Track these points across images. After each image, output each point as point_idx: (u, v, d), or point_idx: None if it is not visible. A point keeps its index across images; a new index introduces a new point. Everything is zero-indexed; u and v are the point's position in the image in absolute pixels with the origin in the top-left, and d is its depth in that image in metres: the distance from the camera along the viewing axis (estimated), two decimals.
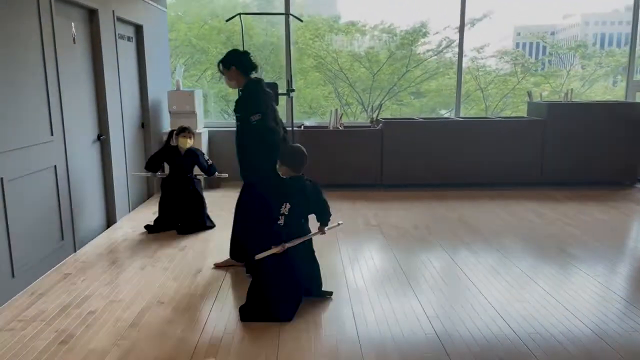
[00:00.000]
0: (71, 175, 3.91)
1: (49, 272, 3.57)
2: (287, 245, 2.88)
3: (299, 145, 3.06)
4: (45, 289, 3.29)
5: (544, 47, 9.09)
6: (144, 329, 2.77)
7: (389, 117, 6.97)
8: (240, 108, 3.34)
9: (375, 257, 3.94)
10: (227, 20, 6.09)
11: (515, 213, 5.09)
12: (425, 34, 7.55)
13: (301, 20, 6.12)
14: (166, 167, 4.84)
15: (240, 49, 5.52)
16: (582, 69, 8.17)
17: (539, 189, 6.01)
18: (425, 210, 5.22)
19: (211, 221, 4.70)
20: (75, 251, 3.98)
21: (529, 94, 6.64)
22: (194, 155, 4.57)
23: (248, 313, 2.90)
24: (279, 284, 2.90)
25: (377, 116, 6.40)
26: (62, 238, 3.80)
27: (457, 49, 7.76)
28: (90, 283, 3.38)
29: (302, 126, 6.45)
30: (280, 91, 6.11)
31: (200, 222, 4.59)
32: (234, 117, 3.42)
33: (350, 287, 3.34)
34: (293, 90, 6.10)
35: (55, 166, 3.69)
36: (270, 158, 3.09)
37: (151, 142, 5.78)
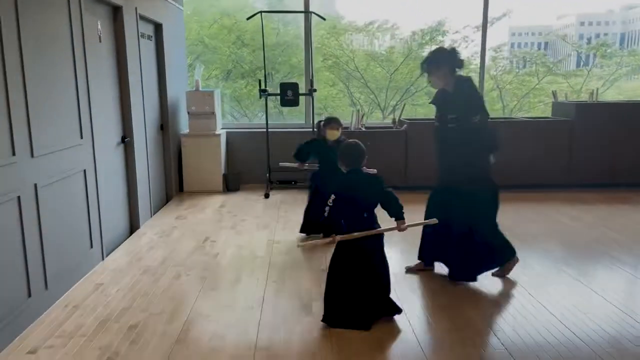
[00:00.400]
0: (98, 179, 3.74)
1: (80, 282, 3.39)
2: (339, 237, 2.73)
3: (354, 140, 2.93)
4: (79, 300, 3.12)
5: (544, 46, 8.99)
6: (193, 345, 2.61)
7: (406, 117, 6.80)
8: (457, 108, 3.17)
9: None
10: (247, 19, 5.92)
11: (549, 216, 4.96)
12: (444, 33, 7.41)
13: (324, 19, 5.96)
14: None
15: (263, 47, 5.33)
16: (599, 68, 8.06)
17: (567, 191, 5.88)
18: None
19: None
20: (103, 259, 3.81)
21: (554, 94, 6.52)
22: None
23: (330, 319, 2.79)
24: (351, 288, 2.76)
25: (399, 117, 6.26)
26: (91, 246, 3.62)
27: (472, 49, 7.65)
28: (126, 294, 3.21)
29: None
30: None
31: None
32: (440, 118, 3.28)
33: (405, 298, 3.19)
34: (315, 90, 5.94)
35: (84, 170, 3.51)
36: (487, 157, 3.19)
37: (170, 144, 5.61)
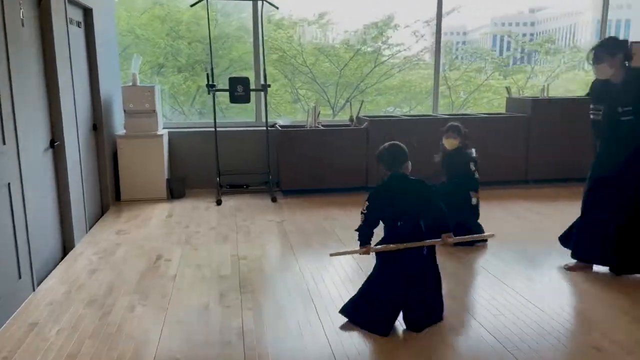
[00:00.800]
0: (25, 194, 3.07)
1: (8, 322, 2.73)
2: (374, 248, 2.61)
3: (394, 142, 2.68)
4: (11, 347, 2.48)
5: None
6: None
7: (363, 115, 6.47)
8: (633, 100, 3.12)
9: None
10: (191, 5, 5.33)
11: (518, 213, 4.83)
12: (395, 27, 7.18)
13: (277, 7, 5.49)
14: None
15: (209, 38, 4.82)
16: (539, 65, 8.21)
17: (527, 187, 5.84)
18: None
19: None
20: (34, 290, 3.14)
21: (508, 90, 6.48)
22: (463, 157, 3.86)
23: (348, 311, 2.72)
24: (385, 296, 2.62)
25: (357, 114, 5.93)
26: (20, 276, 2.96)
27: (422, 44, 7.52)
28: (69, 335, 2.61)
29: (277, 125, 5.83)
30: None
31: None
32: (608, 111, 3.20)
33: None
34: (269, 86, 5.46)
35: (8, 184, 2.85)
36: None
37: (104, 147, 4.91)
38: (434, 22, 6.35)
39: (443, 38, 6.45)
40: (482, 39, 9.88)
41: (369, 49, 7.34)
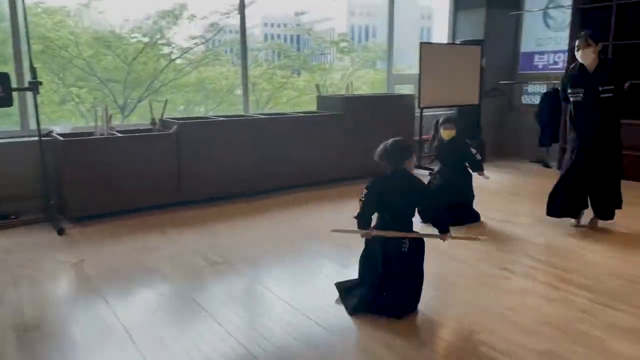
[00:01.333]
0: None
1: None
2: (377, 232, 2.66)
3: (399, 138, 2.79)
4: None
5: None
6: None
7: (167, 117, 5.48)
8: (613, 81, 3.72)
9: (266, 319, 2.81)
10: None
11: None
12: (192, 18, 6.37)
13: None
14: None
15: None
16: (332, 64, 8.35)
17: (353, 185, 5.68)
18: (265, 226, 4.23)
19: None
20: None
21: (318, 88, 6.28)
22: (458, 145, 4.36)
23: (341, 287, 2.88)
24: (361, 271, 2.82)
25: (161, 116, 5.00)
26: None
27: (222, 37, 6.96)
28: None
29: (54, 134, 4.52)
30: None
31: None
32: (589, 92, 3.77)
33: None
34: (40, 83, 4.14)
35: None
36: None
37: None
38: (227, 17, 5.77)
39: (226, 37, 5.99)
40: (257, 37, 9.75)
41: (161, 41, 6.38)
